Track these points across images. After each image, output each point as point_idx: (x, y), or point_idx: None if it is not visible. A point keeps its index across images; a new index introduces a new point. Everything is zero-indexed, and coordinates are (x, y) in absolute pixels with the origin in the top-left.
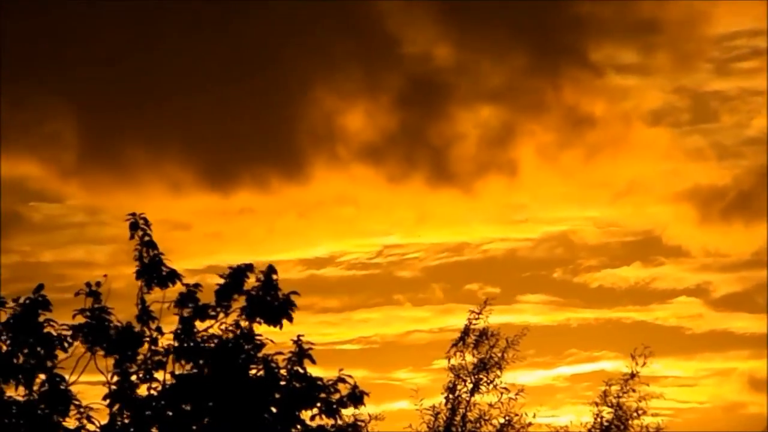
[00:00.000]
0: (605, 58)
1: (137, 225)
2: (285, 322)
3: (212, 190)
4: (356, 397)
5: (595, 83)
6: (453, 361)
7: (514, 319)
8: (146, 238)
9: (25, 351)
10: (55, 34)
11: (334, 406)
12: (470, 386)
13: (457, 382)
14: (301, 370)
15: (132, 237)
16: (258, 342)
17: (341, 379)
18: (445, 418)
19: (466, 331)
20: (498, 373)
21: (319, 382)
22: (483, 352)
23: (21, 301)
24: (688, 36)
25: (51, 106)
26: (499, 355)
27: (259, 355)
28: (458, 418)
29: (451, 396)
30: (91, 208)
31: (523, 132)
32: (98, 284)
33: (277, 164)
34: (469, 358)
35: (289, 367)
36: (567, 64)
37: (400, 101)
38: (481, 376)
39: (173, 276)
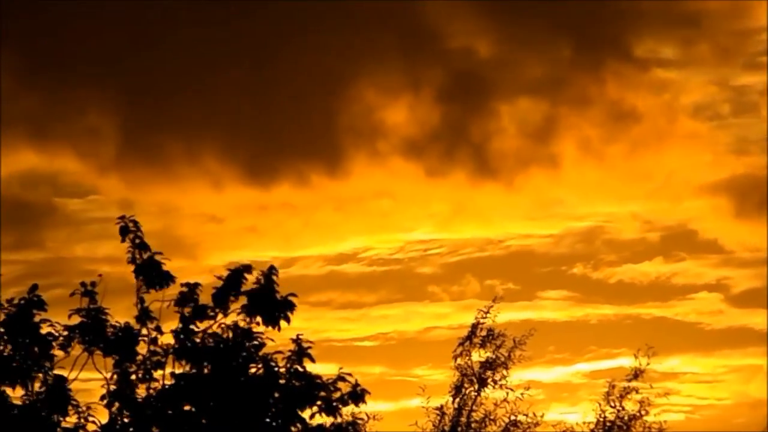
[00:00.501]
0: (647, 51)
1: (127, 229)
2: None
3: (252, 184)
4: (357, 396)
5: (636, 76)
6: (459, 360)
7: (534, 315)
8: (137, 241)
9: (22, 352)
10: (96, 25)
11: (334, 404)
12: (476, 385)
13: (463, 381)
14: (300, 369)
15: (123, 240)
16: (258, 341)
17: (341, 378)
18: (451, 417)
19: (473, 330)
20: (504, 372)
21: (319, 381)
22: (489, 352)
23: (15, 301)
24: (729, 29)
25: (90, 99)
26: (506, 354)
27: (259, 354)
28: (464, 417)
29: (457, 395)
30: (128, 202)
31: (565, 126)
32: (93, 284)
33: (317, 159)
34: (476, 357)
35: (288, 365)
36: (609, 57)
37: (442, 95)
38: (487, 375)
39: (168, 278)
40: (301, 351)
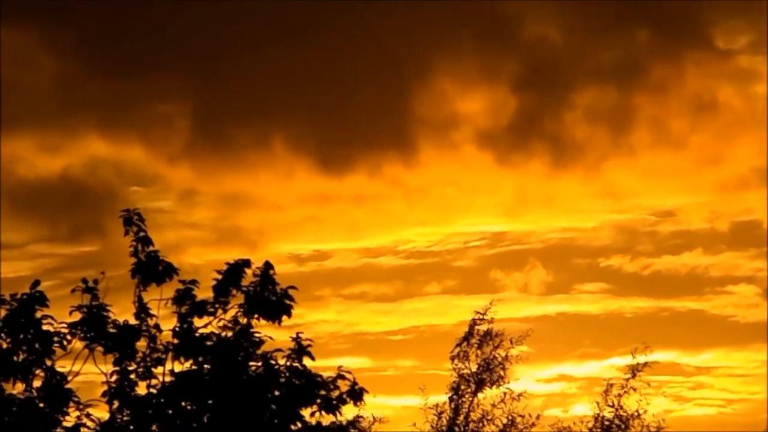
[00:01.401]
0: (726, 39)
1: (131, 221)
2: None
3: (322, 173)
4: (355, 394)
5: (716, 64)
6: (457, 362)
7: (569, 308)
8: (141, 234)
9: (23, 348)
10: (167, 14)
11: (334, 402)
12: (473, 386)
13: (460, 382)
14: (300, 367)
15: (126, 233)
16: (256, 339)
17: (340, 376)
18: (448, 417)
19: (470, 332)
20: (501, 373)
21: (319, 379)
22: (487, 353)
23: (18, 296)
24: None
25: (160, 88)
26: (503, 355)
27: (258, 352)
28: (461, 417)
29: (455, 396)
30: (194, 191)
31: (639, 115)
32: (96, 282)
33: (390, 149)
34: (475, 358)
35: (288, 363)
36: (687, 44)
37: (516, 85)
38: (484, 376)
39: (170, 270)
40: (300, 349)
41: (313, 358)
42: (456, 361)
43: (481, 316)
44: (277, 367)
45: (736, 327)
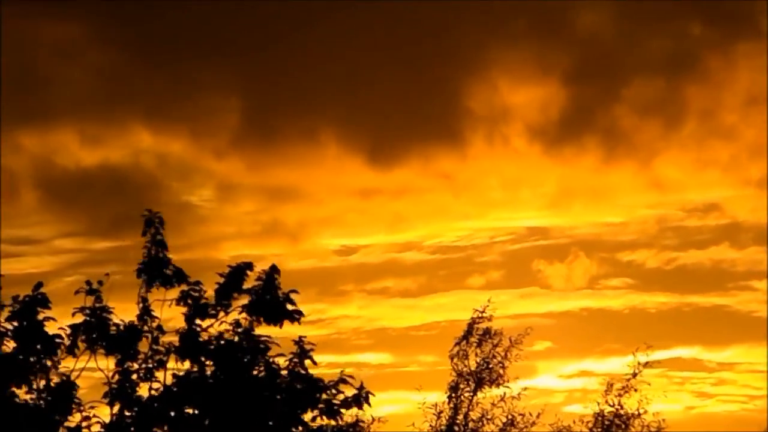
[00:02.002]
0: None
1: (152, 222)
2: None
3: (371, 167)
4: (360, 400)
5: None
6: (456, 361)
7: (592, 304)
8: (158, 237)
9: (26, 350)
10: (215, 6)
11: (335, 407)
12: (473, 385)
13: (459, 381)
14: (302, 371)
15: (144, 234)
16: (262, 346)
17: (343, 380)
18: (447, 417)
19: (469, 330)
20: (501, 371)
21: (321, 383)
22: (486, 352)
23: (20, 298)
24: None
25: (209, 80)
26: (503, 354)
27: (262, 356)
28: (461, 417)
29: (453, 395)
30: (241, 184)
31: (693, 108)
32: (100, 283)
33: (440, 142)
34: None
35: (290, 367)
36: (741, 38)
37: (569, 77)
38: (483, 376)
39: (180, 276)
40: (303, 353)
41: (315, 362)
42: (455, 359)
43: (480, 314)
44: (279, 370)
45: (760, 323)
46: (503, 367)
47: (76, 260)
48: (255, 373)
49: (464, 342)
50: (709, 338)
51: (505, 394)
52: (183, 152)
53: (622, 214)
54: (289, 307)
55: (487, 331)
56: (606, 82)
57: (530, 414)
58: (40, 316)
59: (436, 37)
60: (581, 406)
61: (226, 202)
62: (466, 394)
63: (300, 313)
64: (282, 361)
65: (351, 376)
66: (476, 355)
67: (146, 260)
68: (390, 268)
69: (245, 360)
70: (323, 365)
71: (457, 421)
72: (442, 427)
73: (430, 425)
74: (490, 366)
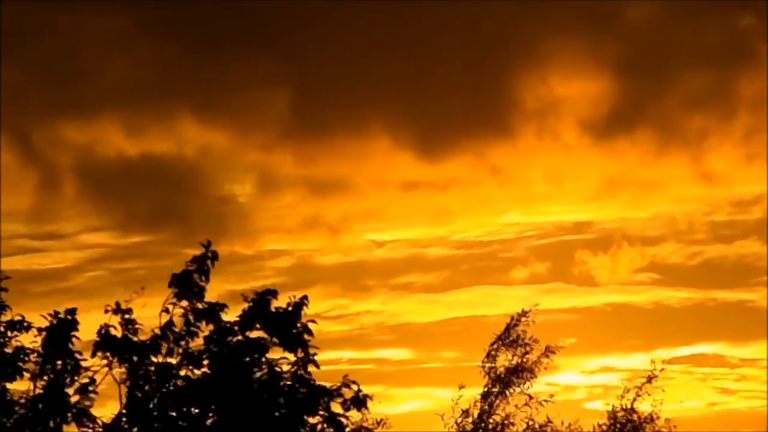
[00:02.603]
0: None
1: (207, 255)
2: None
3: (420, 160)
4: (359, 401)
5: None
6: (487, 363)
7: (617, 299)
8: (205, 268)
9: (51, 366)
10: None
11: (338, 417)
12: (499, 388)
13: (491, 384)
14: (305, 375)
15: (196, 261)
16: (263, 344)
17: (345, 384)
18: (474, 418)
19: (506, 332)
20: (529, 377)
21: (323, 388)
22: (519, 357)
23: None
24: None
25: (259, 74)
26: (534, 360)
27: (264, 359)
28: (485, 419)
29: (486, 397)
30: (289, 177)
31: (744, 100)
32: (126, 305)
33: (489, 135)
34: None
35: (293, 370)
36: None
37: (620, 70)
38: (512, 380)
39: (199, 293)
40: (306, 358)
41: (318, 366)
42: (485, 360)
43: (518, 318)
44: (282, 374)
45: None
46: (533, 373)
47: (100, 255)
48: (257, 376)
49: (499, 343)
50: (732, 334)
51: (530, 398)
52: (227, 144)
53: (649, 208)
54: (306, 337)
55: (518, 338)
56: (656, 74)
57: (550, 421)
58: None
59: (488, 31)
60: (602, 402)
61: (269, 195)
62: (493, 397)
63: (309, 345)
64: (285, 366)
65: (354, 381)
66: (508, 360)
67: (183, 272)
68: (414, 263)
69: (246, 361)
70: (344, 361)
71: (482, 424)
72: (469, 427)
73: (456, 422)
74: (519, 371)
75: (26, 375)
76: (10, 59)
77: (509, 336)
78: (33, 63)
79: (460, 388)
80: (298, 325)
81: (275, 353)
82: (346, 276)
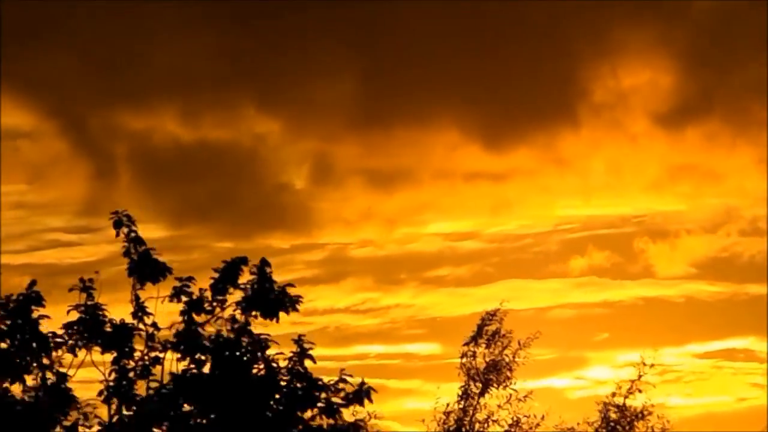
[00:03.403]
0: None
1: (121, 223)
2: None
3: (485, 151)
4: (360, 397)
5: None
6: (464, 361)
7: (649, 293)
8: (132, 235)
9: (21, 349)
10: None
11: (335, 407)
12: (480, 387)
13: (468, 383)
14: (302, 370)
15: (117, 235)
16: (263, 344)
17: (342, 379)
18: (456, 417)
19: (479, 331)
20: (508, 374)
21: (320, 382)
22: (495, 354)
23: (14, 297)
24: None
25: (323, 65)
26: (510, 356)
27: (260, 354)
28: (468, 418)
29: (463, 397)
30: (350, 168)
31: None
32: (91, 280)
33: (556, 127)
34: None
35: (290, 366)
36: None
37: (688, 60)
38: (491, 377)
39: (163, 270)
40: (302, 352)
41: (314, 361)
42: (464, 359)
43: (491, 317)
44: (278, 369)
45: None
46: (510, 370)
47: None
48: (254, 371)
49: (473, 343)
50: (763, 328)
51: (511, 396)
52: (285, 132)
53: (686, 201)
54: (290, 291)
55: (496, 333)
56: (723, 65)
57: (534, 416)
58: (35, 314)
59: (555, 21)
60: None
61: (326, 185)
62: (474, 396)
63: (296, 301)
64: (282, 360)
65: (351, 375)
66: (484, 356)
67: (133, 259)
68: (446, 257)
69: (244, 358)
70: (372, 356)
71: (465, 422)
72: (452, 427)
73: (438, 424)
74: (499, 368)
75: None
76: (68, 46)
77: (482, 335)
78: (89, 50)
79: (438, 387)
80: (275, 288)
81: (273, 350)
82: (379, 269)
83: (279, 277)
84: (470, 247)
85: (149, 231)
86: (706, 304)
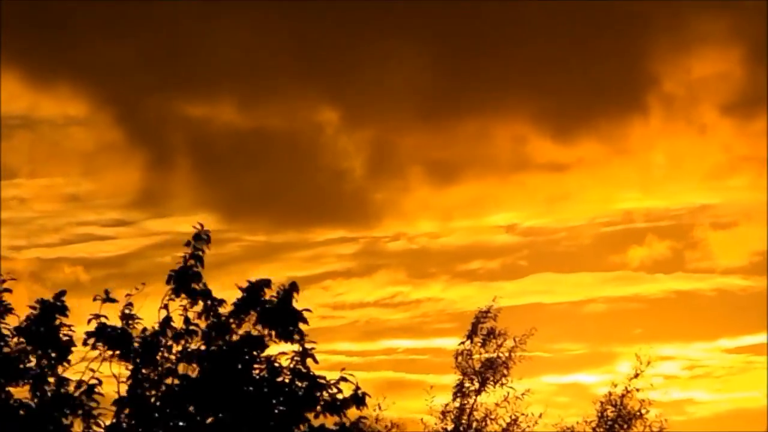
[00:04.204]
0: None
1: (200, 237)
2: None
3: (554, 142)
4: (358, 399)
5: None
6: (461, 360)
7: (679, 286)
8: (198, 253)
9: (38, 354)
10: None
11: (338, 404)
12: (477, 385)
13: (464, 381)
14: (304, 370)
15: (188, 244)
16: (259, 340)
17: (343, 378)
18: (453, 416)
19: (474, 330)
20: (505, 371)
21: (321, 381)
22: (491, 351)
23: (42, 304)
24: None
25: (382, 51)
26: (507, 354)
27: (262, 355)
28: (465, 417)
29: (458, 395)
30: (409, 160)
31: None
32: (107, 291)
33: (625, 118)
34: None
35: (292, 366)
36: None
37: (758, 49)
38: (487, 375)
39: (204, 295)
40: (304, 352)
41: (316, 361)
42: (459, 358)
43: (485, 314)
44: (280, 370)
45: None
46: (507, 368)
47: (161, 241)
48: (257, 372)
49: (468, 341)
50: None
51: (509, 394)
52: (345, 121)
53: (721, 195)
54: (301, 326)
55: (491, 331)
56: None
57: (532, 414)
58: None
59: (629, 13)
60: (660, 392)
61: (384, 175)
62: (471, 394)
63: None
64: (284, 360)
65: (351, 374)
66: (480, 354)
67: (180, 269)
68: (477, 250)
69: (245, 359)
70: (400, 351)
71: (462, 421)
72: (449, 427)
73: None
74: (495, 366)
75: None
76: (124, 34)
77: (477, 333)
78: (146, 38)
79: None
80: (292, 312)
81: (274, 349)
82: (410, 262)
83: (313, 270)
84: (501, 241)
85: (204, 220)
86: (738, 298)
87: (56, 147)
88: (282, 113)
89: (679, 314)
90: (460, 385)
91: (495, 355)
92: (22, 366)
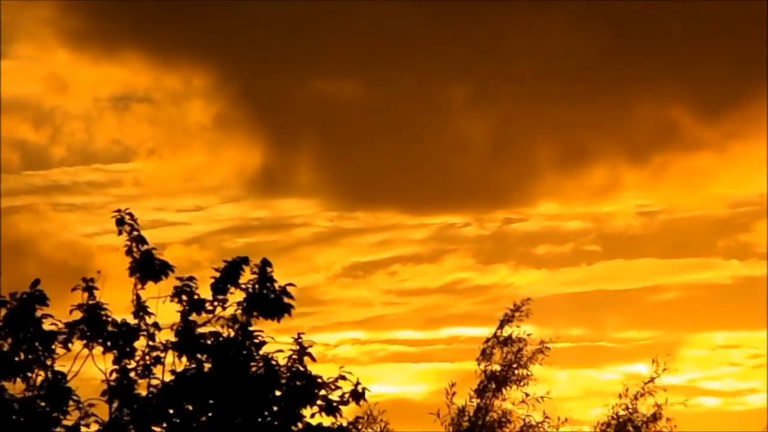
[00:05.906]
0: None
1: (123, 221)
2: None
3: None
4: (357, 394)
5: None
6: (481, 359)
7: (743, 272)
8: (135, 233)
9: (23, 347)
10: None
11: (334, 404)
12: (494, 386)
13: (485, 382)
14: (301, 368)
15: (120, 233)
16: (258, 340)
17: (342, 377)
18: (468, 417)
19: (501, 327)
20: (525, 372)
21: (319, 380)
22: (511, 357)
23: (18, 296)
24: None
25: (526, 28)
26: (527, 358)
27: (260, 352)
28: (481, 418)
29: (479, 395)
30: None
31: None
32: (92, 279)
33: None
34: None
35: (289, 364)
36: None
37: None
38: (508, 377)
39: (165, 268)
40: (302, 350)
41: (314, 359)
42: (480, 358)
43: (512, 312)
44: (278, 367)
45: None
46: (527, 376)
47: (230, 226)
48: (254, 370)
49: (494, 340)
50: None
51: (527, 395)
52: (473, 101)
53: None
54: (286, 300)
55: (508, 338)
56: None
57: (548, 418)
58: (38, 313)
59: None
60: (720, 383)
61: (509, 157)
62: (489, 395)
63: (291, 306)
64: (281, 358)
65: (350, 372)
66: (501, 359)
67: (133, 258)
68: (549, 235)
69: (242, 356)
70: (460, 340)
71: (478, 422)
72: (464, 426)
73: (452, 422)
74: (513, 369)
75: None
76: (251, 8)
77: (502, 332)
78: (269, 10)
79: (452, 385)
80: (276, 287)
81: (272, 347)
82: (480, 248)
83: (392, 252)
84: (571, 228)
85: (327, 200)
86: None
87: (178, 123)
88: (409, 91)
89: (739, 302)
90: (482, 384)
91: (515, 358)
92: (15, 359)
